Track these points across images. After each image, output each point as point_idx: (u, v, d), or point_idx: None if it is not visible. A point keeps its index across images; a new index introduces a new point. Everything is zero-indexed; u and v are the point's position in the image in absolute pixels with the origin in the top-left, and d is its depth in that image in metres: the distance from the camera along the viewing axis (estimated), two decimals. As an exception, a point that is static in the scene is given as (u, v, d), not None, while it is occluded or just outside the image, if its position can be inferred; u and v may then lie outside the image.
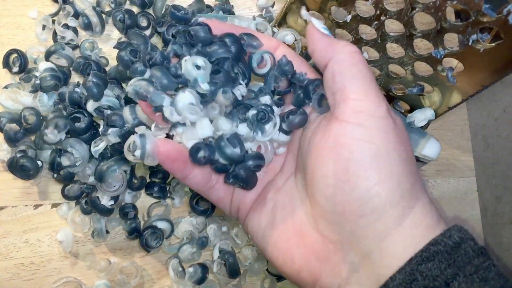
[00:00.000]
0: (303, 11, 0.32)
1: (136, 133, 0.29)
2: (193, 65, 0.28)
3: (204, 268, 0.40)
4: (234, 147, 0.28)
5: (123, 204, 0.40)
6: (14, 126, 0.39)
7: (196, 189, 0.32)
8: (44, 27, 0.43)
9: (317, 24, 0.30)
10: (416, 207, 0.26)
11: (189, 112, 0.27)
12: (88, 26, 0.43)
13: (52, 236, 0.40)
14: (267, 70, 0.31)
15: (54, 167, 0.38)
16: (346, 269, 0.26)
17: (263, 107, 0.30)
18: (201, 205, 0.41)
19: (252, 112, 0.30)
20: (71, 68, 0.42)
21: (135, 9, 0.44)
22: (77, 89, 0.39)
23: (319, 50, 0.29)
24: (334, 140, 0.26)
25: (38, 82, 0.39)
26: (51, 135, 0.37)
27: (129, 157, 0.29)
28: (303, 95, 0.31)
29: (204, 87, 0.28)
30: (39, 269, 0.39)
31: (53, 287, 0.39)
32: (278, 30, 0.44)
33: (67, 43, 0.42)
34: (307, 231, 0.28)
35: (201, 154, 0.28)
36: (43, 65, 0.40)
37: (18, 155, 0.38)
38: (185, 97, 0.27)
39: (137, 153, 0.28)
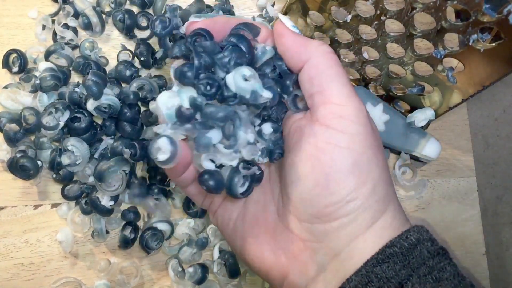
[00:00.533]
0: (279, 14, 0.31)
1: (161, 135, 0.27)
2: (242, 78, 0.26)
3: (204, 268, 0.40)
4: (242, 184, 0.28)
5: (125, 209, 0.40)
6: (14, 126, 0.39)
7: (175, 181, 0.32)
8: (44, 27, 0.43)
9: (286, 22, 0.28)
10: (387, 211, 0.26)
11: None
12: (88, 26, 0.43)
13: (52, 236, 0.40)
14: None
15: (54, 166, 0.38)
16: (315, 268, 0.27)
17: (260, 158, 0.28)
18: (193, 207, 0.41)
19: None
20: (70, 68, 0.42)
21: (135, 9, 0.44)
22: (77, 89, 0.39)
23: (291, 51, 0.27)
24: (315, 144, 0.26)
25: (38, 82, 0.39)
26: (51, 121, 0.37)
27: (156, 160, 0.26)
28: (280, 90, 0.29)
29: (266, 94, 0.26)
30: (39, 269, 0.39)
31: (53, 287, 0.39)
32: None
33: (67, 43, 0.42)
34: (278, 228, 0.28)
35: (211, 183, 0.27)
36: (43, 65, 0.40)
37: (18, 155, 0.38)
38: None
39: (163, 157, 0.26)
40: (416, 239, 0.26)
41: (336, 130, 0.26)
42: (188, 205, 0.41)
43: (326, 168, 0.26)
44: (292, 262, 0.27)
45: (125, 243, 0.39)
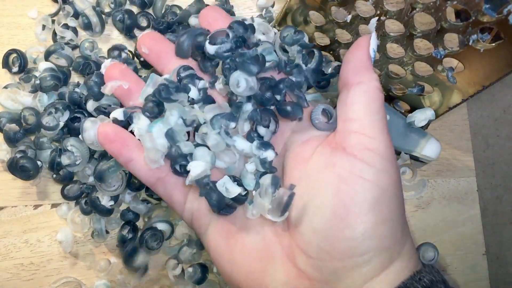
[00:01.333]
0: (374, 31, 0.32)
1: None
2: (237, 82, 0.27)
3: (204, 268, 0.40)
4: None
5: (125, 209, 0.40)
6: (13, 126, 0.39)
7: (142, 179, 0.30)
8: (44, 27, 0.43)
9: (373, 42, 0.29)
10: (402, 253, 0.25)
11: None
12: (87, 26, 0.43)
13: (52, 236, 0.40)
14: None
15: (54, 167, 0.38)
16: None
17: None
18: None
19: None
20: (70, 68, 0.42)
21: (135, 9, 0.44)
22: (77, 89, 0.39)
23: (353, 65, 0.28)
24: (339, 172, 0.25)
25: (38, 82, 0.39)
26: (51, 121, 0.37)
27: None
28: (271, 93, 0.29)
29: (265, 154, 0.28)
30: (39, 269, 0.39)
31: (53, 287, 0.39)
32: (278, 30, 0.43)
33: (67, 43, 0.42)
34: (279, 262, 0.27)
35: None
36: (43, 65, 0.40)
37: (18, 155, 0.38)
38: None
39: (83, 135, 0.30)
40: (429, 281, 0.25)
41: (362, 161, 0.25)
42: None
43: (347, 199, 0.24)
44: None
45: (123, 243, 0.39)
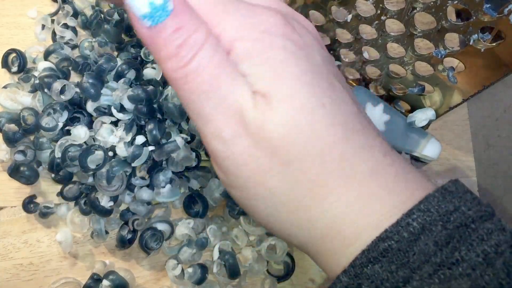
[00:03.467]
0: None
1: None
2: None
3: (204, 268, 0.40)
4: None
5: (124, 209, 0.40)
6: (13, 126, 0.39)
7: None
8: (43, 26, 0.43)
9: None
10: (387, 156, 0.21)
11: None
12: (86, 25, 0.43)
13: (52, 236, 0.40)
14: None
15: (54, 168, 0.38)
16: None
17: None
18: (195, 207, 0.41)
19: None
20: (70, 68, 0.42)
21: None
22: (77, 89, 0.39)
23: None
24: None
25: (37, 82, 0.39)
26: (50, 122, 0.37)
27: None
28: None
29: None
30: (38, 269, 0.39)
31: (52, 288, 0.39)
32: None
33: (66, 43, 0.42)
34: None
35: None
36: (42, 64, 0.40)
37: (18, 160, 0.38)
38: None
39: None
40: (420, 226, 0.19)
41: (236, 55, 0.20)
42: (189, 205, 0.41)
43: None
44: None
45: (122, 243, 0.39)
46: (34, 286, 0.39)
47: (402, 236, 0.19)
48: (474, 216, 0.19)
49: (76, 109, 0.39)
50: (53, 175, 0.40)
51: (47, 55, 0.41)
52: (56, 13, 0.43)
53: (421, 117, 0.41)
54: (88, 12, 0.42)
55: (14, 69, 0.41)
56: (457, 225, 0.19)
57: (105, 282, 0.37)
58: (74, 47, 0.43)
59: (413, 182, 0.21)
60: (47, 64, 0.40)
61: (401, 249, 0.19)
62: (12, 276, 0.39)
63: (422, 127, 0.42)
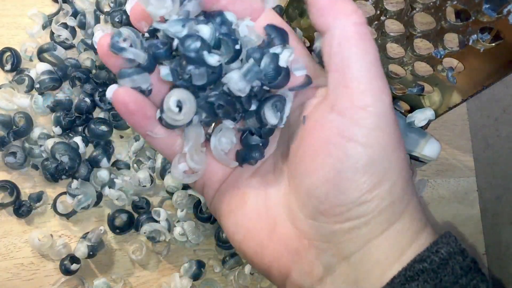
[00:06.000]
0: None
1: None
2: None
3: (200, 263, 0.40)
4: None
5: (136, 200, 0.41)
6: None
7: (159, 150, 0.29)
8: (44, 27, 0.43)
9: None
10: (404, 213, 0.24)
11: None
12: (84, 25, 0.43)
13: (53, 236, 0.40)
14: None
15: (54, 177, 0.39)
16: (321, 269, 0.24)
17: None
18: (204, 211, 0.41)
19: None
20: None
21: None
22: (86, 99, 0.40)
23: (317, 8, 0.23)
24: (329, 136, 0.23)
25: (37, 86, 0.40)
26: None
27: None
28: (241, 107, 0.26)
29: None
30: (39, 269, 0.39)
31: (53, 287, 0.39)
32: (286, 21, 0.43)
33: (63, 42, 0.42)
34: (281, 223, 0.26)
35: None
36: (41, 66, 0.40)
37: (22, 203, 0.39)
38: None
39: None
40: (447, 253, 0.23)
41: (352, 121, 0.23)
42: (199, 209, 0.41)
43: (338, 164, 0.23)
44: (295, 261, 0.25)
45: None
46: (35, 286, 0.39)
47: (433, 260, 0.23)
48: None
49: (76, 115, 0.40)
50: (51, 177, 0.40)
51: (40, 53, 0.41)
52: (57, 13, 0.43)
53: (420, 117, 0.41)
54: (88, 13, 0.43)
55: (7, 67, 0.41)
56: (472, 259, 0.24)
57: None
58: (70, 47, 0.43)
59: (420, 216, 0.25)
60: (45, 66, 0.40)
61: (435, 270, 0.23)
62: (13, 275, 0.39)
63: (422, 127, 0.43)
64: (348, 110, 0.23)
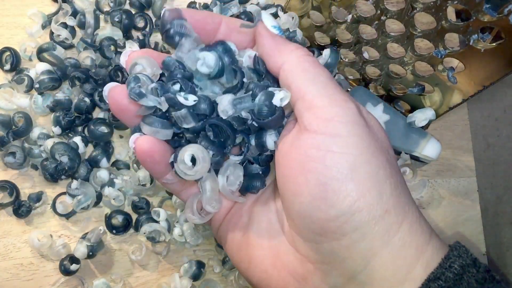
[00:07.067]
0: (262, 11, 0.28)
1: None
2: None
3: (200, 264, 0.40)
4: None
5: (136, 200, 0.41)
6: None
7: (174, 193, 0.30)
8: (43, 26, 0.43)
9: (267, 21, 0.26)
10: (404, 223, 0.23)
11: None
12: (83, 25, 0.43)
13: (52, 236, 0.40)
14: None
15: (54, 176, 0.39)
16: None
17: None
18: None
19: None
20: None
21: (134, 11, 0.44)
22: (86, 99, 0.40)
23: (268, 54, 0.25)
24: (305, 153, 0.23)
25: (37, 86, 0.40)
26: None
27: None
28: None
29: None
30: (39, 269, 0.39)
31: (52, 288, 0.39)
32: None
33: (62, 42, 0.42)
34: (284, 250, 0.26)
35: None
36: (40, 66, 0.40)
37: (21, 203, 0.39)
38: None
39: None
40: (460, 267, 0.23)
41: (324, 134, 0.23)
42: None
43: (321, 177, 0.23)
44: (303, 286, 0.25)
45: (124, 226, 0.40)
46: (34, 286, 0.39)
47: (448, 276, 0.22)
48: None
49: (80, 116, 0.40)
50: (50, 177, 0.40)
51: (39, 52, 0.41)
52: (56, 13, 0.43)
53: (421, 117, 0.41)
54: (88, 13, 0.43)
55: (7, 67, 0.41)
56: (485, 268, 0.24)
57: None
58: (69, 46, 0.43)
59: (423, 227, 0.24)
60: (45, 66, 0.40)
61: (450, 287, 0.22)
62: (12, 275, 0.39)
63: (422, 127, 0.42)
64: (319, 125, 0.23)
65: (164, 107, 0.24)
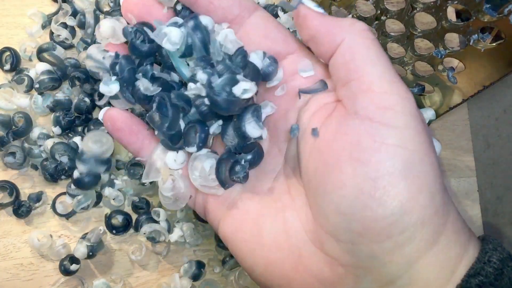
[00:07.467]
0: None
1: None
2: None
3: (200, 264, 0.40)
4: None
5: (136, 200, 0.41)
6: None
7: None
8: (43, 26, 0.43)
9: (309, 3, 0.24)
10: (447, 224, 0.22)
11: None
12: (83, 25, 0.43)
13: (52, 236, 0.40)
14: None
15: (54, 177, 0.39)
16: None
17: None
18: None
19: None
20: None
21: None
22: (86, 99, 0.40)
23: (321, 34, 0.23)
24: (356, 141, 0.21)
25: (37, 86, 0.40)
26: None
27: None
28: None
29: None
30: (39, 269, 0.39)
31: (52, 288, 0.39)
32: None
33: (62, 42, 0.42)
34: (306, 251, 0.23)
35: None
36: (40, 66, 0.40)
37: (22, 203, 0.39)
38: None
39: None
40: (499, 261, 0.21)
41: (381, 123, 0.21)
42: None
43: (372, 172, 0.20)
44: None
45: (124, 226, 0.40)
46: (34, 286, 0.39)
47: (488, 271, 0.21)
48: None
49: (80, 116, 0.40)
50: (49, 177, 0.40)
51: (39, 52, 0.41)
52: (56, 13, 0.43)
53: (421, 117, 0.41)
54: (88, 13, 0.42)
55: (7, 67, 0.41)
56: None
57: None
58: (69, 46, 0.43)
59: (463, 225, 0.23)
60: (44, 66, 0.40)
61: (492, 283, 0.21)
62: (12, 276, 0.39)
63: (422, 127, 0.42)
64: (374, 112, 0.21)
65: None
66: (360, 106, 0.21)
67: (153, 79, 0.25)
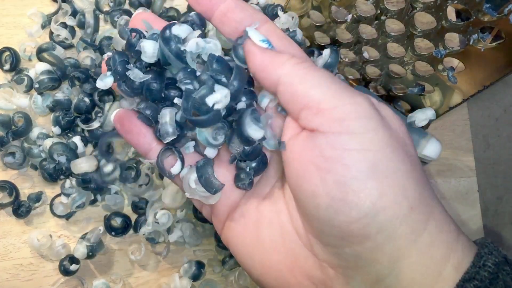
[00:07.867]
0: (247, 28, 0.26)
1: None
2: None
3: (200, 264, 0.40)
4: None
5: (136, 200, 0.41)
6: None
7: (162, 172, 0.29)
8: (43, 26, 0.43)
9: (254, 36, 0.25)
10: (430, 220, 0.22)
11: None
12: (83, 25, 0.43)
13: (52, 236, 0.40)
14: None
15: (54, 177, 0.39)
16: None
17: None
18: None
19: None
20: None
21: (134, 10, 0.44)
22: (86, 99, 0.40)
23: (261, 71, 0.24)
24: (321, 154, 0.22)
25: (37, 86, 0.40)
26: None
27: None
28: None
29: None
30: (38, 269, 0.39)
31: (52, 288, 0.39)
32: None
33: (62, 41, 0.42)
34: (300, 254, 0.24)
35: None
36: (40, 66, 0.40)
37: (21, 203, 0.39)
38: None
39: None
40: (494, 265, 0.21)
41: (340, 133, 0.22)
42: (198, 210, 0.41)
43: (339, 177, 0.21)
44: None
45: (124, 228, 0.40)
46: (34, 286, 0.39)
47: (483, 276, 0.21)
48: None
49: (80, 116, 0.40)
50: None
51: (39, 52, 0.41)
52: (56, 13, 0.43)
53: (421, 117, 0.41)
54: (87, 13, 0.42)
55: (6, 67, 0.41)
56: None
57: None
58: (69, 46, 0.43)
59: (450, 225, 0.23)
60: (44, 66, 0.40)
61: (487, 287, 0.21)
62: (12, 276, 0.39)
63: (422, 127, 0.42)
64: (331, 126, 0.22)
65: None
66: (318, 124, 0.22)
67: (146, 71, 0.26)
